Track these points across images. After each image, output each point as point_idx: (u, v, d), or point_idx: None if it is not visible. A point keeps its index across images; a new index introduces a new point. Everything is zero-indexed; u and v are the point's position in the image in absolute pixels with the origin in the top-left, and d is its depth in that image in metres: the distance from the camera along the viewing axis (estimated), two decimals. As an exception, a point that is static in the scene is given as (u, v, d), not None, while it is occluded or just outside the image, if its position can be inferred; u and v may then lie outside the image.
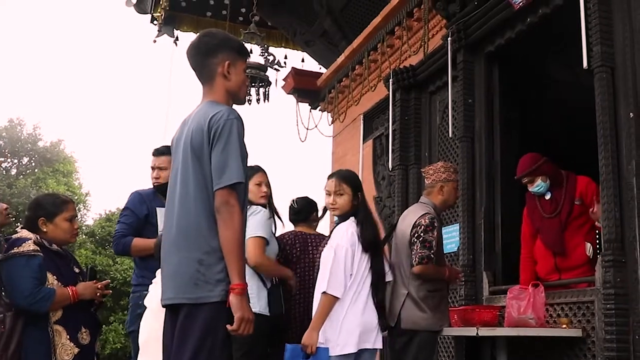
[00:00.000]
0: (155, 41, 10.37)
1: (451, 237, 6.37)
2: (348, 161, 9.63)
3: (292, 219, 5.46)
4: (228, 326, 2.76)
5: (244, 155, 2.91)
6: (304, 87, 10.35)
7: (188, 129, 3.02)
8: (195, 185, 2.90)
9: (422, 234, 4.41)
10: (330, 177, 4.52)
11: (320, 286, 4.23)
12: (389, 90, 7.46)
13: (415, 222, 4.49)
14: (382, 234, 4.99)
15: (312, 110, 10.44)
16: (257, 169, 4.89)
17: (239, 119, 2.94)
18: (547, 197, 5.17)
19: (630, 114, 4.40)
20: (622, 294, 4.26)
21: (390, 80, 7.35)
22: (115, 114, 65.04)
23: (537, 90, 7.00)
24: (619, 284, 4.27)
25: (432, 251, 4.44)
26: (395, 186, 7.37)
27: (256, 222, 4.43)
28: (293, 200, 5.56)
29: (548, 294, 4.76)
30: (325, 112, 10.29)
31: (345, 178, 4.48)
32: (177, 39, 10.49)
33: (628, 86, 4.45)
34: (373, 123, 8.84)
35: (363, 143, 8.90)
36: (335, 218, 4.59)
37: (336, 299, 4.16)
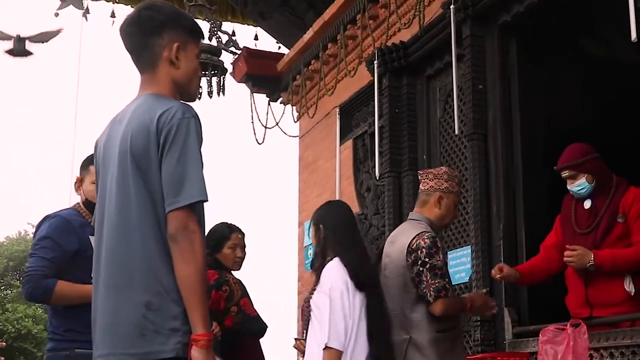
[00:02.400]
0: (57, 14, 10.24)
1: (461, 264, 6.37)
2: (320, 168, 9.60)
3: None
4: None
5: (202, 165, 2.88)
6: (259, 73, 10.29)
7: (125, 131, 2.94)
8: (139, 205, 2.85)
9: (427, 260, 4.40)
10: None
11: (319, 340, 4.30)
12: (373, 75, 7.44)
13: (411, 244, 4.47)
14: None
15: (271, 103, 10.38)
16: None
17: (196, 118, 2.90)
18: (587, 205, 5.16)
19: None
20: (689, 333, 4.27)
21: (375, 62, 7.32)
22: (12, 112, 64.33)
23: (567, 72, 7.02)
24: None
25: (446, 279, 4.45)
26: (385, 199, 7.34)
27: None
28: None
29: (593, 336, 4.76)
30: (289, 105, 10.23)
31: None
32: (87, 11, 10.37)
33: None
34: (353, 118, 8.80)
35: (340, 144, 8.89)
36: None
37: (340, 352, 4.26)
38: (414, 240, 4.46)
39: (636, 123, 4.64)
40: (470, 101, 6.24)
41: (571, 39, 6.93)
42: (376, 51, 7.38)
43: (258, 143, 9.98)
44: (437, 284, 4.38)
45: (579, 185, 5.11)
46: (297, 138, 10.38)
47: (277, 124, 10.05)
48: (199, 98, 8.25)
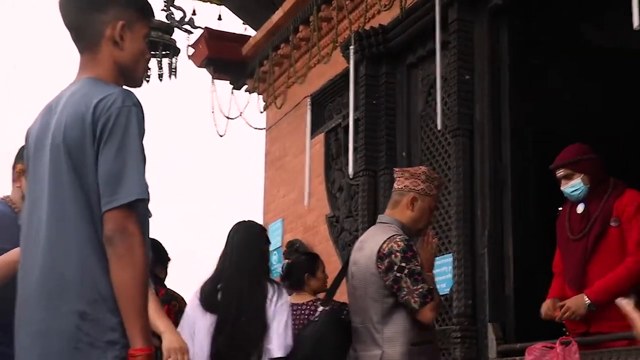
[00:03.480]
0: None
1: (441, 274, 6.32)
2: (288, 164, 9.55)
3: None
4: None
5: (144, 160, 2.85)
6: (222, 57, 10.27)
7: (58, 120, 2.90)
8: (74, 204, 2.83)
9: (404, 264, 4.39)
10: None
11: None
12: (348, 62, 7.41)
13: (382, 249, 4.45)
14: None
15: (235, 90, 10.35)
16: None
17: (138, 106, 2.86)
18: (580, 209, 5.22)
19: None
20: (692, 354, 4.26)
21: (351, 47, 7.29)
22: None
23: (564, 61, 7.04)
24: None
25: (428, 285, 4.44)
26: (359, 200, 7.31)
27: None
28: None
29: (585, 356, 4.75)
30: (255, 94, 10.19)
31: None
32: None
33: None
34: (325, 110, 8.78)
35: (311, 138, 8.84)
36: None
37: None
38: (385, 245, 4.44)
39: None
40: (455, 93, 6.22)
41: (569, 25, 6.95)
42: (353, 35, 7.34)
43: (219, 135, 9.93)
44: (420, 290, 4.36)
45: (573, 186, 5.18)
46: (264, 130, 10.31)
47: (240, 114, 9.99)
48: (147, 81, 8.22)
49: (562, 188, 5.21)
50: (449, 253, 6.22)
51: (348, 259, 4.78)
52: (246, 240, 4.94)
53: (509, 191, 6.05)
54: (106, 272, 2.78)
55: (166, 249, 6.39)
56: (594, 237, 5.05)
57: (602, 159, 5.22)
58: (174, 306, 5.66)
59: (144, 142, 2.87)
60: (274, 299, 4.82)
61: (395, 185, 4.78)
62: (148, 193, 2.84)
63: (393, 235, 4.47)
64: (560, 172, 5.22)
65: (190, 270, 6.49)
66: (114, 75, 3.01)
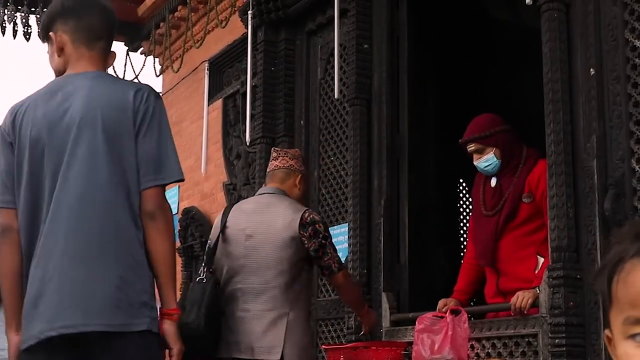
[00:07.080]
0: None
1: (337, 243, 6.36)
2: (185, 130, 9.55)
3: None
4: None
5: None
6: (117, 18, 10.10)
7: (85, 103, 3.33)
8: (111, 178, 3.27)
9: (327, 234, 4.89)
10: None
11: None
12: (247, 28, 7.39)
13: (304, 218, 4.80)
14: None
15: (130, 52, 10.27)
16: None
17: (160, 100, 3.54)
18: (493, 183, 5.21)
19: (591, 69, 4.56)
20: (577, 323, 4.44)
21: (250, 12, 7.27)
22: None
23: (465, 34, 7.13)
24: (573, 311, 4.44)
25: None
26: (256, 168, 7.36)
27: None
28: None
29: (475, 325, 4.93)
30: (151, 57, 10.14)
31: None
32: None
33: (589, 31, 4.61)
34: (224, 75, 8.80)
35: (208, 104, 8.85)
36: None
37: None
38: (307, 215, 4.83)
39: (539, 90, 4.75)
40: (353, 62, 6.27)
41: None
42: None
43: (114, 98, 9.81)
44: (338, 257, 4.94)
45: (486, 160, 5.15)
46: (160, 95, 10.26)
47: (136, 77, 9.86)
48: (27, 39, 8.19)
49: (475, 163, 5.19)
50: (345, 223, 6.31)
51: (224, 224, 4.97)
52: None
53: (406, 161, 6.13)
54: (139, 241, 3.29)
55: None
56: (506, 215, 5.08)
57: (513, 130, 5.18)
58: None
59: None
60: None
61: (277, 163, 5.12)
62: (183, 175, 3.47)
63: (307, 208, 4.96)
64: (471, 147, 5.16)
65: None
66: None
